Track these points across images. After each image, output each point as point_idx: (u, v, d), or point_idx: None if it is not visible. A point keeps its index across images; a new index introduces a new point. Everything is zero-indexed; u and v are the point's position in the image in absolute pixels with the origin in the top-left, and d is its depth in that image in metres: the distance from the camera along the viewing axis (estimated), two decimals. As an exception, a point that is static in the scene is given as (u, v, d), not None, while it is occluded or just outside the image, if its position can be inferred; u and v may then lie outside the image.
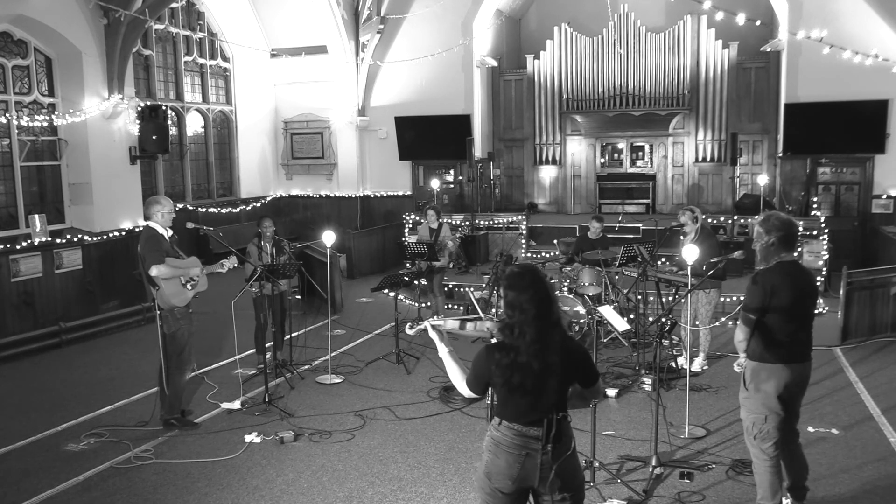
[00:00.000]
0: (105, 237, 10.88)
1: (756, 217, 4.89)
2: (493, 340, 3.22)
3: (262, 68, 16.03)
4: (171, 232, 6.15)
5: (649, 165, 15.16)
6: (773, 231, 4.19)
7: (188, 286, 6.05)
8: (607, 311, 5.85)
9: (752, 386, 4.26)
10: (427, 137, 14.87)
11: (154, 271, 5.82)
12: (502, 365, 3.04)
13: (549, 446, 3.05)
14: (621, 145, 15.34)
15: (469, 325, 3.58)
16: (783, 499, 4.38)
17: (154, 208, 6.07)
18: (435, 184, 14.49)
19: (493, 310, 7.58)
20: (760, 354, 4.23)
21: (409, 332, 3.77)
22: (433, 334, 3.49)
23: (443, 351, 3.39)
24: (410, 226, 13.19)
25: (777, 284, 4.13)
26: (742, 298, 9.34)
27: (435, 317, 3.67)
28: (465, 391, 3.25)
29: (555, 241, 12.14)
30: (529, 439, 3.05)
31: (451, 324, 3.60)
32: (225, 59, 15.51)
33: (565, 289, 8.72)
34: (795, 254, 4.37)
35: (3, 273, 9.25)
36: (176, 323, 6.03)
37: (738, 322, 4.32)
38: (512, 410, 3.08)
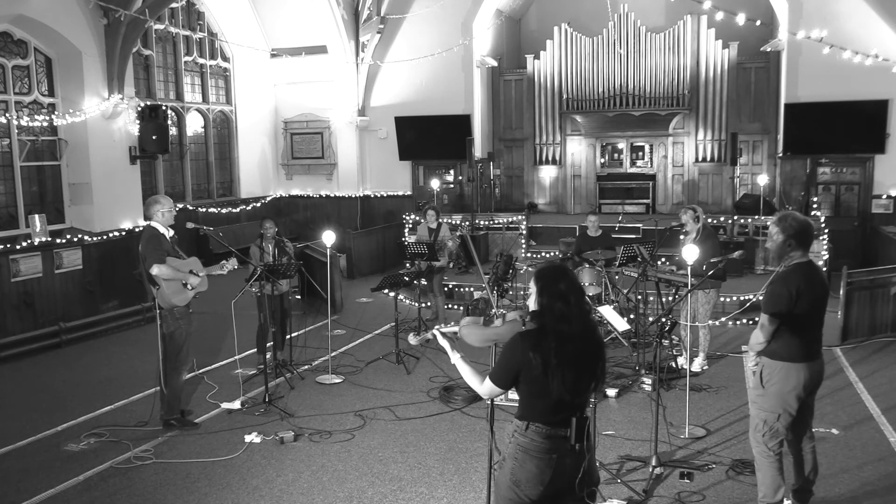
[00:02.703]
0: (105, 237, 10.88)
1: (769, 216, 4.88)
2: (526, 328, 3.13)
3: (262, 68, 16.04)
4: (171, 232, 6.16)
5: (649, 165, 15.17)
6: (788, 231, 4.17)
7: (188, 286, 6.06)
8: (607, 311, 5.85)
9: (771, 384, 4.23)
10: (427, 137, 14.87)
11: (155, 270, 5.83)
12: (544, 349, 2.97)
13: (577, 445, 3.04)
14: (621, 145, 15.34)
15: (497, 322, 3.52)
16: (784, 500, 4.38)
17: (154, 208, 6.08)
18: (435, 184, 14.49)
19: (494, 310, 7.57)
20: (781, 354, 4.20)
21: (412, 341, 3.75)
22: (443, 342, 3.45)
23: (455, 357, 3.37)
24: (410, 226, 13.20)
25: (802, 286, 4.12)
26: (743, 298, 9.30)
27: (444, 325, 3.63)
28: (488, 389, 3.15)
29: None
30: (558, 440, 3.02)
31: (467, 328, 3.48)
32: (225, 59, 15.52)
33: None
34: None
35: (3, 273, 9.24)
36: (175, 322, 6.04)
37: (758, 322, 4.27)
38: (542, 407, 3.02)
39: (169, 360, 6.10)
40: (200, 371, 7.75)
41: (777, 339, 4.20)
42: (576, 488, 3.05)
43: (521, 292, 9.23)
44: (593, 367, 3.09)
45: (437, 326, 3.58)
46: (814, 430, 4.41)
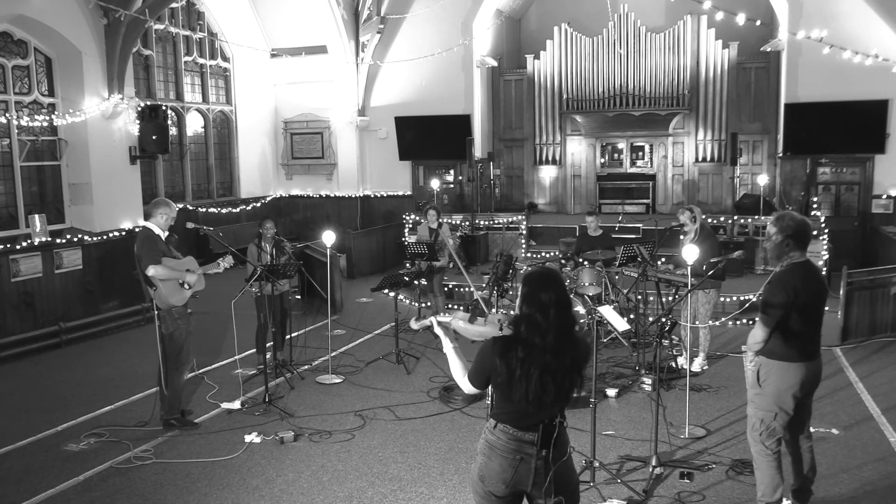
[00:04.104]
0: (105, 237, 10.88)
1: (769, 216, 4.86)
2: (502, 333, 3.13)
3: (262, 68, 16.04)
4: (167, 233, 6.13)
5: (649, 165, 15.17)
6: (786, 231, 4.17)
7: (185, 286, 6.06)
8: (607, 311, 5.84)
9: (767, 383, 4.24)
10: (427, 137, 14.87)
11: (151, 271, 5.82)
12: (510, 358, 2.97)
13: (545, 451, 3.02)
14: (621, 145, 15.35)
15: (479, 321, 3.54)
16: (784, 499, 4.38)
17: (160, 209, 6.03)
18: (435, 184, 14.49)
19: (494, 309, 7.58)
20: (778, 353, 4.21)
21: (413, 326, 3.75)
22: (438, 330, 3.44)
23: (447, 346, 3.36)
24: (410, 226, 13.19)
25: (798, 286, 4.12)
26: (743, 298, 9.30)
27: (441, 314, 3.63)
28: (466, 386, 3.20)
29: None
30: (524, 444, 3.03)
31: (458, 321, 3.53)
32: (225, 59, 15.52)
33: (565, 289, 8.70)
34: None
35: (3, 273, 9.24)
36: (174, 323, 6.03)
37: (756, 321, 4.28)
38: (510, 411, 3.04)
39: (169, 361, 6.10)
40: (200, 371, 7.75)
41: (774, 339, 4.20)
42: (541, 493, 3.03)
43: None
44: (563, 383, 3.00)
45: (434, 316, 3.58)
46: (814, 430, 4.42)
